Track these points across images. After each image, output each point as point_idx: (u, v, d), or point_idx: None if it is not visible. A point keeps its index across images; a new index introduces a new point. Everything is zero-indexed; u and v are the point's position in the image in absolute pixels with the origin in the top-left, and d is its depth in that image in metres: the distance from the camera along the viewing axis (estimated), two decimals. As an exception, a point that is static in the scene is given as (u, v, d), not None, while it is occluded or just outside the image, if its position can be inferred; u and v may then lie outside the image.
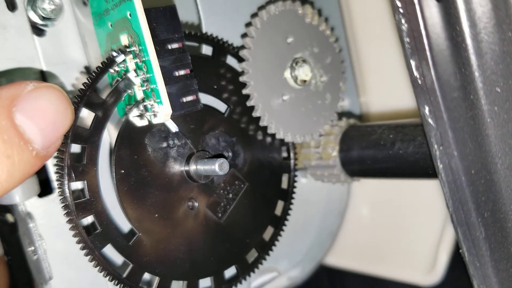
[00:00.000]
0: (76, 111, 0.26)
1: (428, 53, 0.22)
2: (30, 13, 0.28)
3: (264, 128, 0.33)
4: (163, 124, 0.29)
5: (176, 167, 0.29)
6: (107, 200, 0.27)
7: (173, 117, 0.28)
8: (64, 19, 0.29)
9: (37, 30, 0.28)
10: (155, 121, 0.28)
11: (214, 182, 0.31)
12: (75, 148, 0.26)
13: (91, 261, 0.26)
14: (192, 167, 0.30)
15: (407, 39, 0.22)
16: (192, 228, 0.30)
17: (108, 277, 0.27)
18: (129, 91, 0.27)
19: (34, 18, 0.28)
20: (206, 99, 0.31)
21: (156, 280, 0.28)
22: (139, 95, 0.27)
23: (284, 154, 0.35)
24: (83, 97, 0.26)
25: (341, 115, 0.37)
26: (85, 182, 0.26)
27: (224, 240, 0.32)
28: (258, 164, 0.33)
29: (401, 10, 0.21)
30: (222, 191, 0.31)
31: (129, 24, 0.26)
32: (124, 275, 0.27)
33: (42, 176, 0.29)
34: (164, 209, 0.29)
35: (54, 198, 0.28)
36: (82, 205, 0.26)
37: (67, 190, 0.25)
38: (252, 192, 0.33)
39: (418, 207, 0.40)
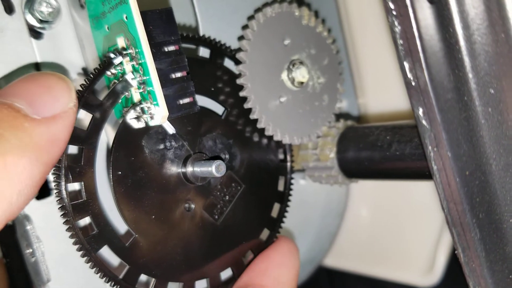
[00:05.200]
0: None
1: (421, 55, 0.22)
2: (28, 16, 0.28)
3: (261, 130, 0.33)
4: (160, 126, 0.29)
5: (173, 169, 0.29)
6: (104, 202, 0.27)
7: (170, 119, 0.28)
8: (61, 22, 0.29)
9: (35, 33, 0.28)
10: (151, 123, 0.28)
11: (211, 184, 0.31)
12: (73, 149, 0.26)
13: (87, 262, 0.26)
14: (189, 169, 0.30)
15: (400, 41, 0.22)
16: (189, 230, 0.30)
17: (104, 279, 0.27)
18: (126, 93, 0.28)
19: (32, 21, 0.28)
20: (203, 101, 0.31)
21: (153, 281, 0.29)
22: (136, 97, 0.28)
23: (281, 156, 0.35)
24: (81, 98, 0.26)
25: (339, 116, 0.37)
26: (82, 183, 0.26)
27: (221, 242, 0.32)
28: (255, 166, 0.33)
29: (394, 12, 0.21)
30: (218, 193, 0.31)
31: (125, 27, 0.26)
32: (121, 276, 0.27)
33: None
34: (161, 210, 0.29)
35: (52, 200, 0.28)
36: (79, 206, 0.26)
37: (64, 191, 0.25)
38: (249, 194, 0.33)
39: (416, 208, 0.40)
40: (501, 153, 0.23)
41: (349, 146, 0.33)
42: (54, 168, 0.26)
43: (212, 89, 0.32)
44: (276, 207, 0.35)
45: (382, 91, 0.41)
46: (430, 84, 0.22)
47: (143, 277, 0.29)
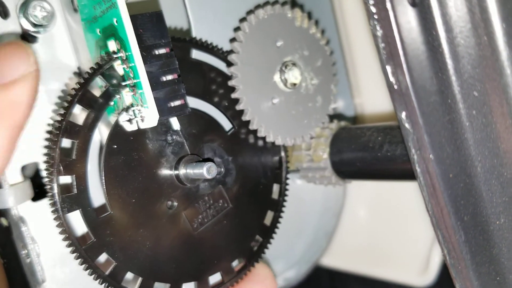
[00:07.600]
0: (90, 80, 0.27)
1: (402, 58, 0.22)
2: (22, 20, 0.28)
3: (263, 150, 0.33)
4: (166, 119, 0.29)
5: (167, 163, 0.30)
6: (91, 169, 0.28)
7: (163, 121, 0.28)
8: (56, 26, 0.29)
9: (30, 37, 0.29)
10: (142, 125, 0.28)
11: (199, 190, 0.31)
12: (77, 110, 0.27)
13: (55, 220, 0.26)
14: (182, 168, 0.30)
15: (382, 45, 0.22)
16: (164, 228, 0.30)
17: (66, 242, 0.27)
18: (118, 96, 0.28)
19: (26, 25, 0.28)
20: (215, 113, 0.32)
21: (113, 264, 0.28)
22: (128, 100, 0.28)
23: (275, 197, 0.35)
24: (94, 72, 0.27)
25: (335, 117, 0.37)
26: (77, 141, 0.26)
27: (191, 253, 0.31)
28: (247, 192, 0.33)
29: (375, 16, 0.21)
30: (204, 203, 0.31)
31: (115, 31, 0.27)
32: (84, 247, 0.27)
33: (36, 181, 0.29)
34: (143, 198, 0.29)
35: (47, 202, 0.29)
36: (65, 162, 0.26)
37: (57, 144, 0.26)
38: (234, 216, 0.32)
39: (412, 208, 0.40)
40: (486, 155, 0.23)
41: (341, 147, 0.33)
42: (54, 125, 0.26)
43: (226, 103, 0.32)
44: (258, 239, 0.34)
45: (378, 91, 0.41)
46: (412, 88, 0.22)
47: (103, 257, 0.28)
